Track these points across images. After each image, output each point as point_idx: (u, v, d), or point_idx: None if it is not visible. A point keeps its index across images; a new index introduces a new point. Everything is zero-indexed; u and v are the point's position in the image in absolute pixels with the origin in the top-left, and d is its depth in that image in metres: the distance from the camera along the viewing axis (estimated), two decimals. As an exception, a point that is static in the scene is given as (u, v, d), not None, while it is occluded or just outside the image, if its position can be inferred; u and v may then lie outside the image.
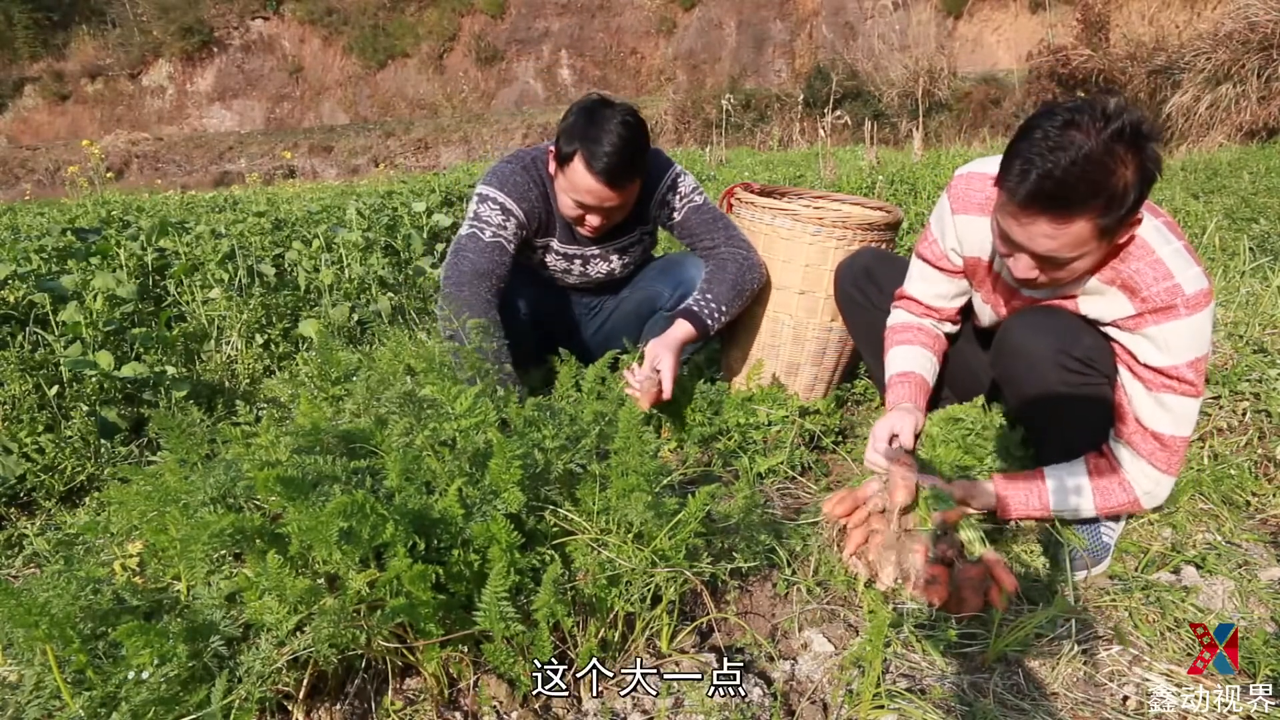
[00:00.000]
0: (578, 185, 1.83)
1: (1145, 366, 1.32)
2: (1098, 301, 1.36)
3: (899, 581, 1.30)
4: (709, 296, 1.95)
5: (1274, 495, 1.71)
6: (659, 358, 1.83)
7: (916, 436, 1.53)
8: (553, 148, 1.91)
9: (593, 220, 1.91)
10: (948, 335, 1.73)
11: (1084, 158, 1.13)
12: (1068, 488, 1.42)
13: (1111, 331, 1.37)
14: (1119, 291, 1.32)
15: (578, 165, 1.81)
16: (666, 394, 1.81)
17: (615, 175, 1.79)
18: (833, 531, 1.42)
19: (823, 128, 8.73)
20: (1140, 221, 1.26)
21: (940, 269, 1.63)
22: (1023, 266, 1.31)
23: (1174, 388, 1.30)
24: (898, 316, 1.74)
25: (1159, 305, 1.27)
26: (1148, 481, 1.37)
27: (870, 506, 1.34)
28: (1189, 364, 1.28)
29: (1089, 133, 1.14)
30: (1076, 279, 1.35)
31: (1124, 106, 1.18)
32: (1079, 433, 1.43)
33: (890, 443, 1.49)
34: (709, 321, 1.93)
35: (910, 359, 1.66)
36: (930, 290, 1.67)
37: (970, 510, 1.35)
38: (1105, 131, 1.14)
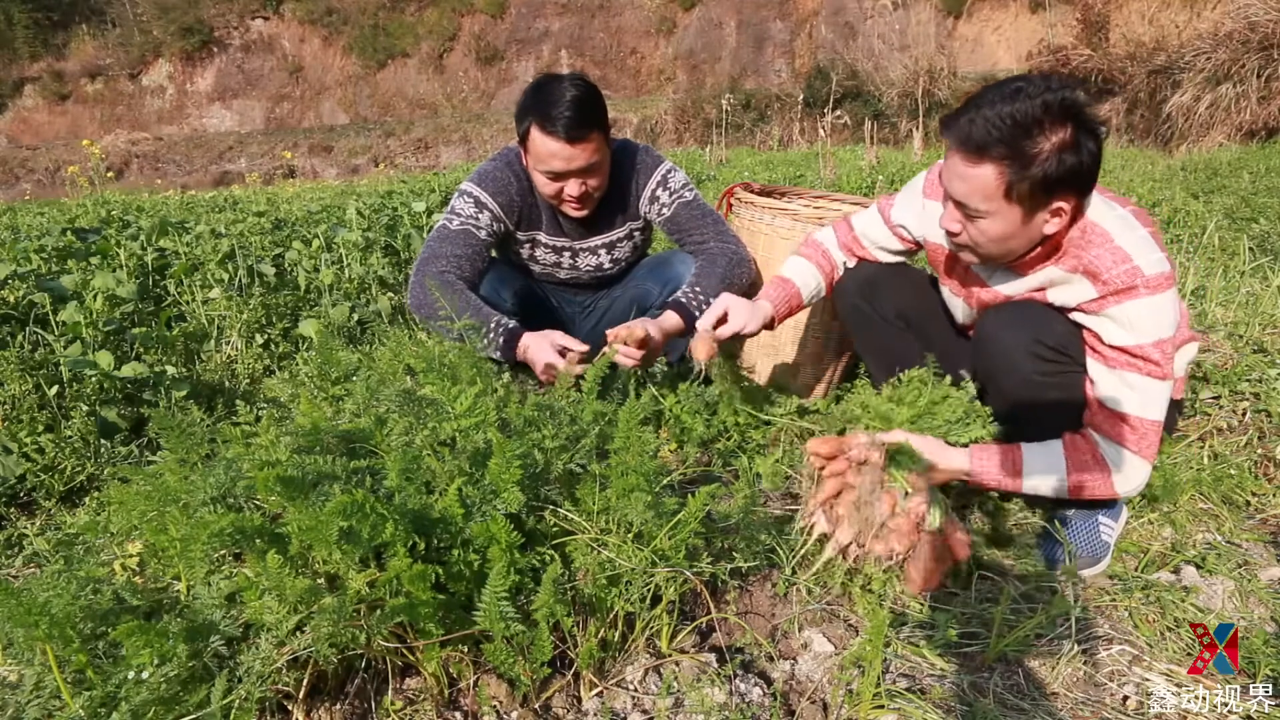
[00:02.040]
0: (541, 154, 1.83)
1: (1110, 346, 1.34)
2: (1063, 290, 1.40)
3: (855, 542, 1.29)
4: (698, 289, 1.94)
5: (1274, 495, 1.71)
6: (644, 325, 1.79)
7: (742, 335, 1.70)
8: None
9: (572, 190, 1.89)
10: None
11: (1009, 112, 1.23)
12: (1043, 460, 1.41)
13: (1078, 317, 1.39)
14: (1082, 277, 1.35)
15: (535, 134, 1.82)
16: (636, 345, 1.75)
17: (572, 128, 1.78)
18: (813, 474, 1.41)
19: (823, 128, 8.73)
20: (1064, 214, 1.30)
21: (890, 230, 1.70)
22: (948, 216, 1.39)
23: (1138, 366, 1.32)
24: (825, 235, 1.80)
25: (1119, 286, 1.30)
26: (1122, 460, 1.37)
27: (852, 456, 1.33)
28: (1153, 344, 1.30)
29: (1028, 96, 1.23)
30: (995, 251, 1.38)
31: (1069, 84, 1.25)
32: (1057, 422, 1.44)
33: (717, 326, 1.67)
34: (697, 314, 1.93)
35: (800, 271, 1.78)
36: (867, 230, 1.74)
37: (938, 476, 1.36)
38: (1039, 98, 1.22)
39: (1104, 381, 1.36)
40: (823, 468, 1.38)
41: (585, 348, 1.78)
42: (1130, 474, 1.38)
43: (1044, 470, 1.41)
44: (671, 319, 1.89)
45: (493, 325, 1.84)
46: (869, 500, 1.27)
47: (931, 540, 1.30)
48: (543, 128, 1.79)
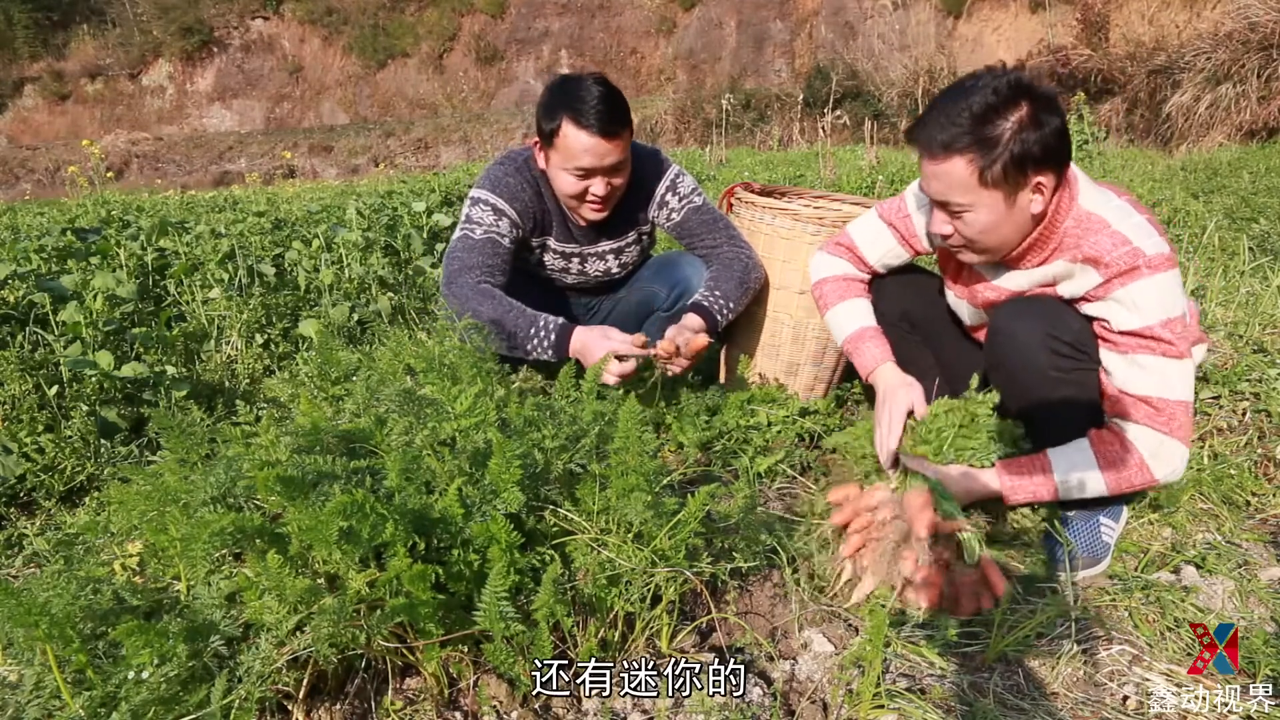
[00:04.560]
0: (573, 150, 1.81)
1: (1120, 332, 1.33)
2: (1070, 283, 1.40)
3: (883, 588, 1.32)
4: (717, 293, 1.95)
5: (1274, 495, 1.71)
6: (681, 332, 1.83)
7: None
8: (536, 139, 1.92)
9: (597, 189, 1.88)
10: None
11: (964, 105, 1.27)
12: (1072, 459, 1.39)
13: (1086, 308, 1.39)
14: (1085, 266, 1.36)
15: (567, 130, 1.80)
16: (686, 354, 1.81)
17: (606, 123, 1.78)
18: (829, 531, 1.44)
19: (823, 128, 8.74)
20: (1045, 189, 1.31)
21: (905, 243, 1.67)
22: (936, 220, 1.41)
23: (1151, 348, 1.31)
24: (841, 267, 1.75)
25: (1122, 269, 1.30)
26: (1152, 442, 1.34)
27: (877, 516, 1.35)
28: (1162, 324, 1.30)
29: (978, 88, 1.27)
30: (991, 242, 1.38)
31: (1015, 70, 1.30)
32: (1072, 419, 1.43)
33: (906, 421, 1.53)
34: (718, 316, 1.94)
35: (870, 314, 1.71)
36: (881, 257, 1.71)
37: (967, 526, 1.35)
38: (988, 87, 1.26)
39: (1119, 369, 1.35)
40: (846, 524, 1.39)
41: (639, 339, 1.79)
42: (1167, 457, 1.34)
43: (1076, 471, 1.38)
44: (695, 322, 1.90)
45: (541, 325, 1.84)
46: (894, 555, 1.29)
47: (967, 575, 1.31)
48: (578, 123, 1.78)
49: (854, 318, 1.69)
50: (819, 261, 1.78)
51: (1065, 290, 1.41)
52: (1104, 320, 1.36)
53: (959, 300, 1.67)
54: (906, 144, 1.41)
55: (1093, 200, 1.36)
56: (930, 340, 1.79)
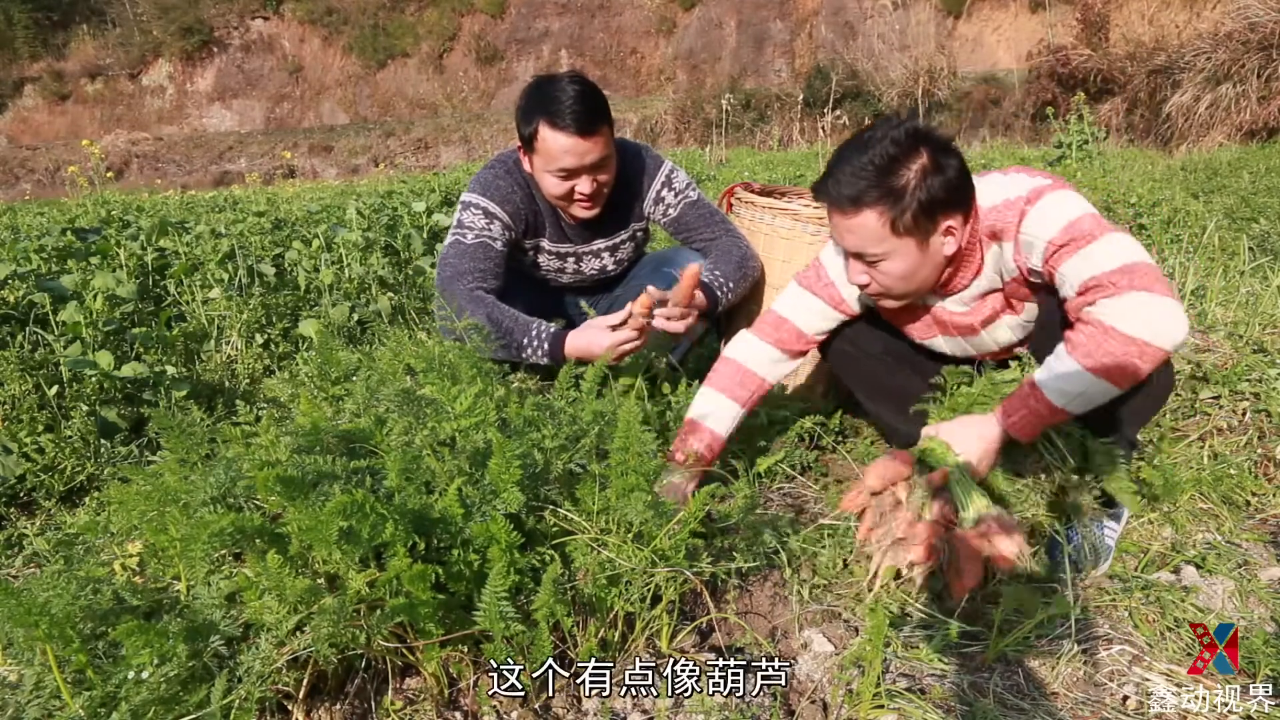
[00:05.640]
0: (553, 152, 1.80)
1: (1049, 244, 1.28)
2: (1007, 267, 1.41)
3: (894, 567, 1.29)
4: (717, 272, 1.95)
5: (1274, 495, 1.71)
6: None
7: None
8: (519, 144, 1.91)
9: (583, 188, 1.86)
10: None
11: (866, 160, 1.30)
12: (1051, 364, 1.28)
13: (1034, 264, 1.34)
14: (1000, 245, 1.38)
15: (545, 132, 1.79)
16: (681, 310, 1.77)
17: (583, 121, 1.76)
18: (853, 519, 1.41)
19: (823, 128, 8.74)
20: (955, 231, 1.34)
21: (835, 308, 1.61)
22: (853, 270, 1.43)
23: (1080, 243, 1.25)
24: (747, 352, 1.65)
25: (1014, 220, 1.33)
26: (1123, 305, 1.20)
27: (868, 486, 1.32)
28: (1070, 224, 1.26)
29: (877, 140, 1.30)
30: (908, 288, 1.41)
31: (910, 118, 1.33)
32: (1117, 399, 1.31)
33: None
34: (719, 293, 1.93)
35: (722, 420, 1.60)
36: (817, 325, 1.63)
37: (979, 503, 1.27)
38: (886, 139, 1.29)
39: (1065, 280, 1.28)
40: (861, 512, 1.38)
41: (630, 315, 1.76)
42: (1148, 316, 1.18)
43: (1067, 377, 1.25)
44: (697, 297, 1.87)
45: (533, 332, 1.84)
46: (887, 520, 1.27)
47: (960, 540, 1.21)
48: (554, 124, 1.77)
49: (704, 406, 1.61)
50: (735, 340, 1.70)
51: (1012, 272, 1.40)
52: (1028, 262, 1.34)
53: (933, 339, 1.64)
54: (814, 199, 1.41)
55: (982, 197, 1.39)
56: (919, 368, 1.73)
